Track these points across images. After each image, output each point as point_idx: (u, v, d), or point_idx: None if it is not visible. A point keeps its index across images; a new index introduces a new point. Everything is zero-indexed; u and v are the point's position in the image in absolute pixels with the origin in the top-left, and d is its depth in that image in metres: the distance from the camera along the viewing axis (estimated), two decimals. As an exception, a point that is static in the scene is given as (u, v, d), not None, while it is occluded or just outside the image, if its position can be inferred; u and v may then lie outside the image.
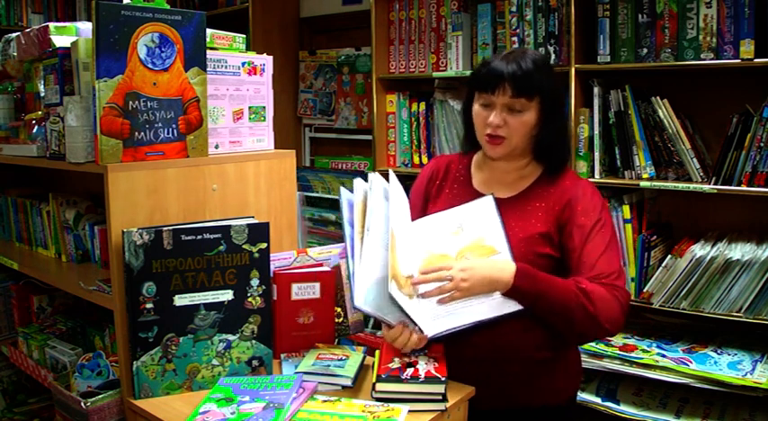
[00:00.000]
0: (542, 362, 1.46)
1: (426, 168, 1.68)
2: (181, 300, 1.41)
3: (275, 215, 1.75)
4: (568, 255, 1.44)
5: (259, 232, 1.47)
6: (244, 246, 1.45)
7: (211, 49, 1.65)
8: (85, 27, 1.63)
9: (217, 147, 1.67)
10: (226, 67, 1.67)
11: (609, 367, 2.13)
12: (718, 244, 2.06)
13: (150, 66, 1.44)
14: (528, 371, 1.45)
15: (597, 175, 2.22)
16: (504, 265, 1.37)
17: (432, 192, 1.62)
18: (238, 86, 1.71)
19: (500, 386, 1.46)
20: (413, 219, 1.58)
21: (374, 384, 1.35)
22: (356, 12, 3.23)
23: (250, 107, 1.74)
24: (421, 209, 1.61)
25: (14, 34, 1.81)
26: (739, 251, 1.98)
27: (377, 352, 1.46)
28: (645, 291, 2.14)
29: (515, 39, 2.39)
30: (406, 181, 1.77)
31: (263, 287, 1.48)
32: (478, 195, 1.54)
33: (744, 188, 1.95)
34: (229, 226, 1.44)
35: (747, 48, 1.93)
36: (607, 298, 1.36)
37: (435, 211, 1.55)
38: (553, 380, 1.49)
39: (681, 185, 2.07)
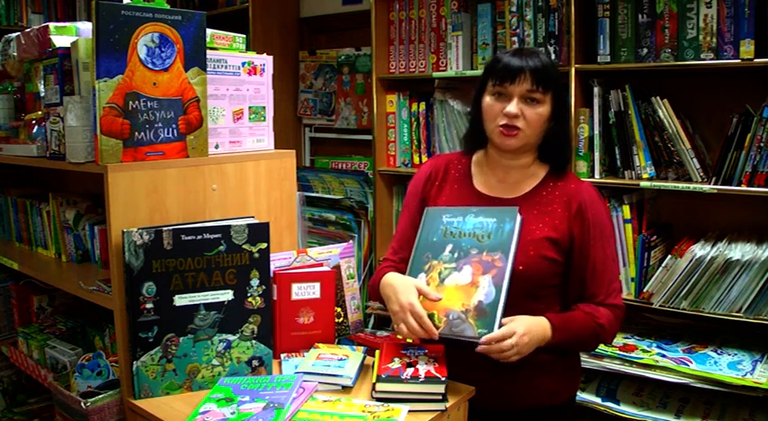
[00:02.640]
0: (542, 364, 1.46)
1: (423, 168, 1.63)
2: (181, 300, 1.41)
3: (275, 215, 1.75)
4: (579, 266, 1.45)
5: (259, 232, 1.47)
6: (244, 246, 1.45)
7: (211, 49, 1.65)
8: (85, 27, 1.63)
9: (217, 147, 1.67)
10: (226, 67, 1.67)
11: (609, 367, 2.13)
12: (718, 244, 2.06)
13: (150, 66, 1.44)
14: (528, 372, 1.45)
15: (597, 175, 2.21)
16: (543, 323, 1.39)
17: (431, 193, 1.58)
18: (238, 86, 1.71)
19: (500, 387, 1.46)
20: (406, 221, 1.58)
21: (374, 384, 1.35)
22: (356, 12, 3.23)
23: (250, 107, 1.74)
24: (417, 210, 1.57)
25: (14, 34, 1.81)
26: (739, 251, 1.98)
27: (377, 352, 1.46)
28: (645, 291, 2.13)
29: (515, 39, 2.39)
30: (406, 181, 1.76)
31: (263, 287, 1.48)
32: (480, 196, 1.53)
33: (744, 188, 1.95)
34: (229, 226, 1.44)
35: (747, 48, 1.93)
36: (614, 322, 1.45)
37: None
38: (553, 381, 1.49)
39: (681, 185, 2.07)
